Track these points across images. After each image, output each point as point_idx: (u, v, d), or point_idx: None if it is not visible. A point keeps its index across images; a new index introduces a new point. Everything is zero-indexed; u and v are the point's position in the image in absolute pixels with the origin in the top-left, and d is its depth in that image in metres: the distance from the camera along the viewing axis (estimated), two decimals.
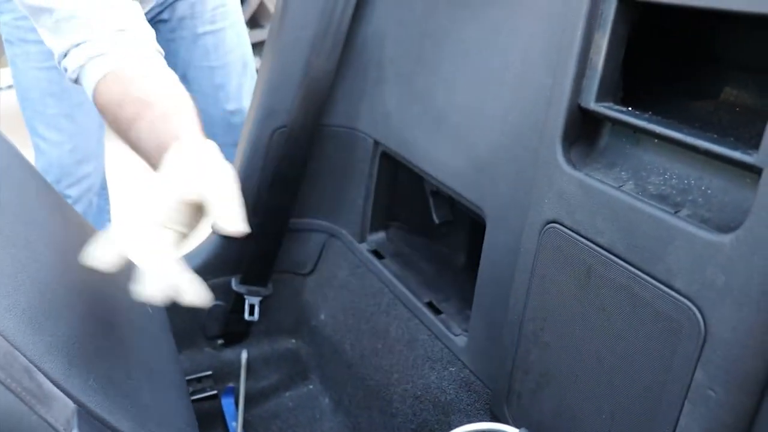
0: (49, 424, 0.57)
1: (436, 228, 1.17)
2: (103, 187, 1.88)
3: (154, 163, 0.80)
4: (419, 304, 1.04)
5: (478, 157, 0.87)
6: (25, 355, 0.58)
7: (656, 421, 0.58)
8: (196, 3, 1.50)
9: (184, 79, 1.57)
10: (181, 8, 1.49)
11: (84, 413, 0.61)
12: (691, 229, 0.54)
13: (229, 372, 1.34)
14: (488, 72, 0.86)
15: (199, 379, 1.30)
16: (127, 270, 1.02)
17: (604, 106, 0.65)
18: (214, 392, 1.29)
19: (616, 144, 0.68)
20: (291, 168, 1.24)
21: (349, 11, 1.13)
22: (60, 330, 0.66)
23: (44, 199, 0.90)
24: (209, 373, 1.32)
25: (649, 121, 0.60)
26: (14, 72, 1.51)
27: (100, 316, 0.78)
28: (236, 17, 1.59)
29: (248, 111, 1.27)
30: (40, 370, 0.59)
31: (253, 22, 4.02)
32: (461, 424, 0.77)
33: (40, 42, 1.41)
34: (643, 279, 0.58)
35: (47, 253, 0.76)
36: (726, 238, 0.51)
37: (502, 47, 0.84)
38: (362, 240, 1.25)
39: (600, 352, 0.64)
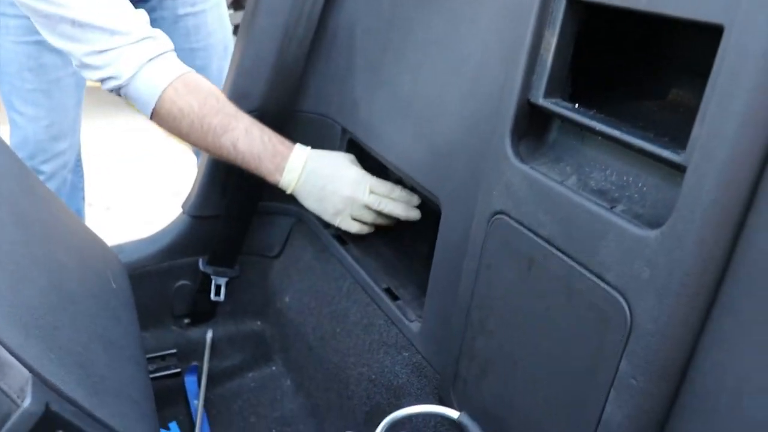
0: (2, 391, 0.59)
1: None
2: (78, 165, 1.89)
3: (260, 167, 1.09)
4: (378, 290, 1.07)
5: (436, 146, 0.89)
6: None
7: (585, 408, 0.61)
8: None
9: None
10: None
11: (38, 381, 0.63)
12: (622, 223, 0.57)
13: (194, 351, 1.36)
14: (450, 63, 0.88)
15: (163, 357, 1.32)
16: (94, 247, 1.03)
17: (552, 102, 0.67)
18: (178, 370, 1.31)
19: (564, 139, 0.71)
20: None
21: (321, 0, 1.15)
22: (19, 300, 0.68)
23: (12, 173, 0.91)
24: (173, 351, 1.33)
25: (592, 118, 0.63)
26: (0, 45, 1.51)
27: (60, 288, 0.80)
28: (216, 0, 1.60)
29: None
30: None
31: (236, 4, 4.01)
32: (410, 406, 0.80)
33: (20, 16, 1.42)
34: (578, 271, 0.61)
35: (12, 227, 0.77)
36: (652, 234, 0.54)
37: (463, 39, 0.86)
38: (327, 225, 1.27)
39: (538, 340, 0.67)
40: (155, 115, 1.10)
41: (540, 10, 0.67)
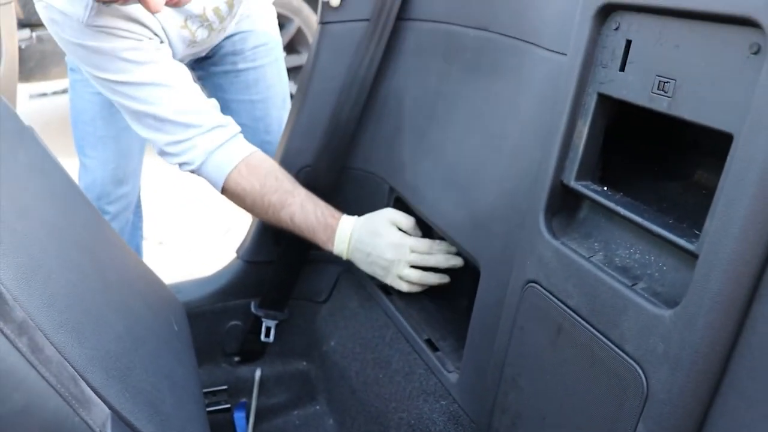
0: (89, 426, 0.68)
1: (441, 270, 1.26)
2: (138, 205, 2.01)
3: (315, 237, 1.23)
4: (419, 340, 1.14)
5: (476, 215, 0.97)
6: (72, 365, 0.68)
7: None
8: (237, 42, 1.62)
9: (227, 109, 1.69)
10: (224, 46, 1.62)
11: (116, 418, 0.72)
12: (641, 301, 0.63)
13: (243, 388, 1.44)
14: (491, 138, 0.96)
15: (214, 393, 1.41)
16: (158, 290, 1.13)
17: (582, 185, 0.74)
18: (228, 406, 1.39)
19: (593, 217, 0.77)
20: None
21: (374, 67, 1.24)
22: (100, 344, 0.77)
23: (88, 220, 1.01)
24: (224, 387, 1.42)
25: (617, 202, 0.70)
26: (72, 95, 1.65)
27: (133, 332, 0.89)
28: (277, 54, 1.71)
29: (277, 149, 1.39)
30: (83, 378, 0.69)
31: (290, 48, 4.17)
32: None
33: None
34: (601, 340, 0.67)
35: (93, 275, 0.87)
36: (667, 313, 0.60)
37: (503, 117, 0.94)
38: None
39: (564, 399, 0.73)
40: (224, 192, 1.27)
41: (573, 102, 0.74)
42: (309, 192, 1.25)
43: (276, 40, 1.70)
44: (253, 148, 1.27)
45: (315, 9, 1.23)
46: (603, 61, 0.72)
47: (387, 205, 1.30)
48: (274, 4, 3.61)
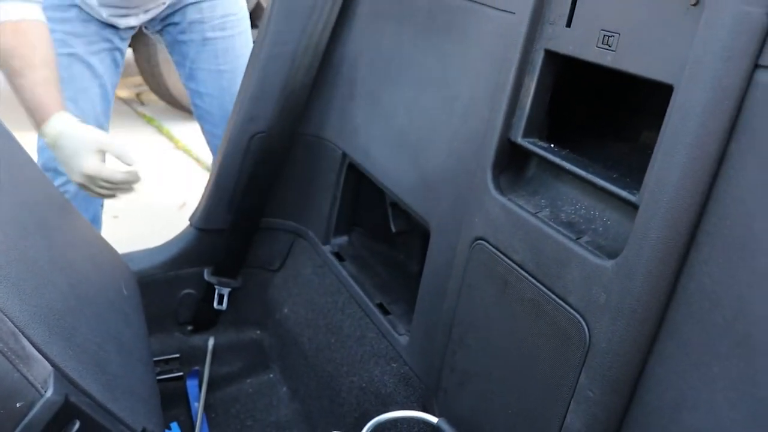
0: (29, 382, 0.66)
1: (394, 236, 1.27)
2: None
3: (31, 115, 1.24)
4: (371, 305, 1.14)
5: (427, 176, 0.97)
6: (12, 321, 0.67)
7: (549, 416, 0.68)
8: (204, 9, 1.60)
9: (193, 78, 1.68)
10: (191, 13, 1.60)
11: (59, 375, 0.70)
12: (584, 253, 0.64)
13: (196, 356, 1.43)
14: (441, 101, 0.96)
15: (166, 361, 1.39)
16: (107, 255, 1.11)
17: (529, 142, 0.75)
18: (180, 374, 1.38)
19: (540, 175, 0.78)
20: (266, 171, 1.34)
21: (328, 31, 1.23)
22: (43, 301, 0.75)
23: (35, 182, 0.99)
24: (177, 355, 1.41)
25: (563, 158, 0.71)
26: None
27: (79, 292, 0.87)
28: (246, 25, 1.70)
29: (230, 117, 1.37)
30: (24, 334, 0.68)
31: (251, 23, 4.12)
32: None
33: (56, 31, 1.51)
34: (546, 293, 0.68)
35: (36, 234, 0.85)
36: (609, 263, 0.61)
37: (454, 79, 0.94)
38: (326, 242, 1.34)
39: (509, 355, 0.74)
40: None
41: (521, 60, 0.74)
42: (55, 78, 1.26)
43: (244, 11, 1.70)
44: (35, 16, 1.27)
45: None
46: (550, 17, 0.72)
47: (339, 171, 1.30)
48: None
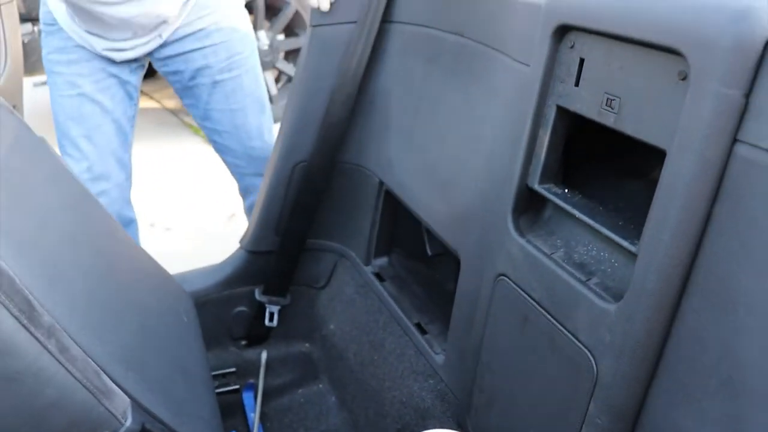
0: (111, 413, 0.77)
1: (430, 257, 1.35)
2: (128, 201, 2.02)
3: None
4: (409, 324, 1.23)
5: (456, 210, 1.05)
6: (95, 361, 0.78)
7: None
8: (209, 54, 1.66)
9: (208, 118, 1.75)
10: (196, 59, 1.66)
11: (135, 406, 0.81)
12: (591, 296, 0.72)
13: (250, 370, 1.54)
14: (468, 140, 1.04)
15: (224, 375, 1.51)
16: (167, 284, 1.22)
17: (545, 188, 0.82)
18: (237, 387, 1.49)
19: (557, 216, 0.85)
20: (309, 196, 1.43)
21: (362, 67, 1.32)
22: (118, 341, 0.87)
23: (101, 224, 1.10)
24: (233, 369, 1.52)
25: (574, 205, 0.78)
26: (51, 98, 1.70)
27: (146, 327, 0.99)
28: (252, 63, 1.74)
29: (274, 146, 1.47)
30: (105, 372, 0.79)
31: (288, 31, 4.23)
32: (434, 428, 0.96)
33: (64, 74, 1.61)
34: (560, 329, 0.76)
35: (108, 277, 0.96)
36: (612, 307, 0.69)
37: (478, 121, 1.01)
38: (368, 263, 1.44)
39: (530, 382, 0.82)
40: None
41: (535, 113, 0.82)
42: None
43: (251, 48, 1.73)
44: None
45: None
46: (561, 75, 0.79)
47: (377, 197, 1.39)
48: None
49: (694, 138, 0.60)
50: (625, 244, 0.69)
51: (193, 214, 3.10)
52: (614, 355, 0.68)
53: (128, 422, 0.79)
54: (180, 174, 3.42)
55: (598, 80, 0.73)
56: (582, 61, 0.75)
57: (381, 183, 1.36)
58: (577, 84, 0.77)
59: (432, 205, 1.14)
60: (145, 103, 4.02)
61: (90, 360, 0.78)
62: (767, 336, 0.56)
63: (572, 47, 0.77)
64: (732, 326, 0.59)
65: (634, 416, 0.69)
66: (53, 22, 1.60)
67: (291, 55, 4.30)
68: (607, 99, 0.72)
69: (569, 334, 0.74)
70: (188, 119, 4.33)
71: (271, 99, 4.26)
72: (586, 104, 0.75)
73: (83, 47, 1.60)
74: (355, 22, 1.31)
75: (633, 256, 0.70)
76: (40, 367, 0.71)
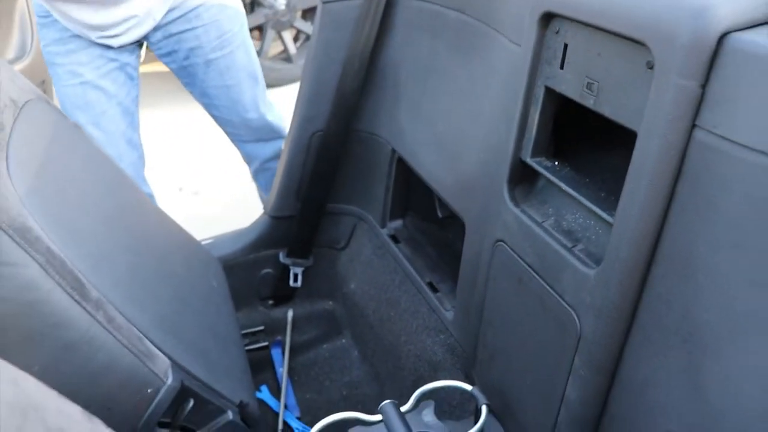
0: (155, 373, 0.88)
1: (441, 220, 1.43)
2: (143, 178, 2.09)
3: None
4: (422, 283, 1.32)
5: (461, 179, 1.13)
6: (137, 328, 0.88)
7: (554, 390, 0.85)
8: (200, 34, 1.72)
9: (205, 95, 1.83)
10: (188, 40, 1.72)
11: (175, 366, 0.92)
12: (575, 262, 0.80)
13: (278, 327, 1.66)
14: (471, 114, 1.10)
15: (254, 333, 1.63)
16: (197, 253, 1.33)
17: (536, 162, 0.89)
18: (266, 343, 1.61)
19: (549, 187, 0.93)
20: (326, 163, 1.52)
21: (372, 40, 1.38)
22: (156, 309, 0.97)
23: (135, 202, 1.20)
24: (262, 328, 1.64)
25: (561, 178, 0.85)
26: (55, 88, 1.77)
27: (180, 295, 1.09)
28: (242, 38, 1.80)
29: (291, 118, 1.54)
30: (147, 338, 0.89)
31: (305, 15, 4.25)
32: (445, 379, 1.06)
33: (65, 63, 1.67)
34: (549, 291, 0.84)
35: (145, 253, 1.07)
36: (592, 272, 0.77)
37: (479, 96, 1.08)
38: (383, 225, 1.52)
39: (524, 338, 0.91)
40: None
41: (526, 92, 0.88)
42: None
43: (240, 23, 1.78)
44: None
45: None
46: (548, 58, 0.85)
47: (390, 164, 1.46)
48: None
49: (658, 122, 0.67)
50: (604, 215, 0.77)
51: (219, 178, 3.21)
52: (594, 315, 0.76)
53: (169, 380, 0.90)
54: (200, 137, 3.51)
55: (580, 64, 0.80)
56: (566, 46, 0.82)
57: (393, 151, 1.44)
58: (562, 67, 0.83)
59: (439, 174, 1.22)
60: (155, 67, 4.04)
61: (134, 327, 0.88)
62: (721, 299, 0.64)
63: (557, 33, 0.83)
64: (692, 291, 0.67)
65: (612, 369, 0.77)
66: (47, 14, 1.64)
67: (308, 13, 4.33)
68: (588, 82, 0.78)
69: (557, 296, 0.83)
70: None
71: (290, 58, 4.31)
72: (571, 86, 0.81)
73: (79, 36, 1.65)
74: None
75: (610, 225, 0.78)
76: (91, 336, 0.82)
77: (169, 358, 0.92)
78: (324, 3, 1.40)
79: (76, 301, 0.81)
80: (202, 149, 3.45)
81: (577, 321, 0.80)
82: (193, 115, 3.85)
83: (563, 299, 0.82)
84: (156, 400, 0.89)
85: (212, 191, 3.10)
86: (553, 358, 0.85)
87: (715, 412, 0.65)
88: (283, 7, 4.08)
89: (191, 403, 0.95)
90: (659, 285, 0.71)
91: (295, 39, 4.39)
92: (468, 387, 1.01)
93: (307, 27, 4.29)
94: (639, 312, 0.73)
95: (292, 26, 4.24)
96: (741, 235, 0.61)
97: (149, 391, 0.89)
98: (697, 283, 0.66)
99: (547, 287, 0.85)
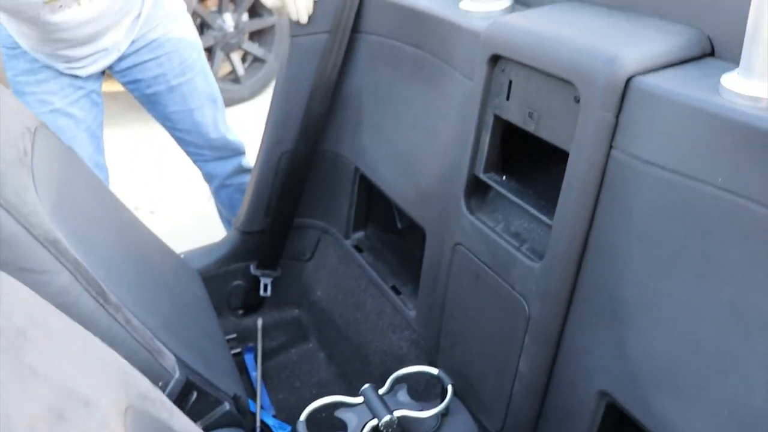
0: (165, 368, 1.01)
1: (400, 230, 1.60)
2: None
3: None
4: (386, 287, 1.48)
5: (420, 191, 1.30)
6: (150, 330, 1.01)
7: (509, 365, 1.02)
8: (164, 62, 1.83)
9: (168, 119, 1.93)
10: (152, 68, 1.83)
11: (181, 362, 1.05)
12: (523, 258, 0.97)
13: (248, 335, 1.78)
14: (428, 135, 1.28)
15: (227, 341, 1.74)
16: (182, 267, 1.45)
17: (488, 177, 1.07)
18: (239, 350, 1.73)
19: (498, 197, 1.10)
20: (294, 181, 1.66)
21: (336, 70, 1.53)
22: (161, 313, 1.10)
23: (129, 221, 1.32)
24: (234, 335, 1.76)
25: (509, 189, 1.03)
26: None
27: (176, 302, 1.22)
28: (201, 65, 1.92)
29: (261, 140, 1.68)
30: (157, 338, 1.02)
31: (252, 12, 4.37)
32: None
33: (35, 93, 1.76)
34: (502, 283, 1.02)
35: (147, 264, 1.19)
36: (537, 265, 0.94)
37: (436, 120, 1.25)
38: (347, 237, 1.68)
39: (482, 324, 1.08)
40: None
41: (478, 119, 1.06)
42: None
43: (198, 51, 1.90)
44: None
45: None
46: (496, 91, 1.03)
47: (353, 180, 1.62)
48: None
49: (585, 144, 0.85)
50: (544, 219, 0.95)
51: (175, 196, 3.30)
52: (540, 301, 0.94)
53: (177, 375, 1.03)
54: (156, 157, 3.59)
55: (522, 97, 0.98)
56: (511, 82, 1.00)
57: (356, 168, 1.60)
58: (508, 99, 1.01)
59: (400, 188, 1.38)
60: (111, 87, 4.12)
61: (147, 329, 1.01)
62: (637, 281, 0.82)
63: (503, 71, 1.01)
64: (615, 276, 0.85)
65: (555, 344, 0.95)
66: (15, 45, 1.71)
67: (256, 35, 4.46)
68: (529, 112, 0.97)
69: (508, 287, 1.00)
70: None
71: (239, 79, 4.42)
72: (515, 115, 1.00)
73: (49, 66, 1.73)
74: (329, 32, 1.52)
75: (550, 227, 0.96)
76: (113, 335, 0.95)
77: (175, 355, 1.05)
78: (292, 37, 1.55)
79: (100, 304, 0.93)
80: (156, 169, 3.53)
81: (526, 306, 0.97)
82: (146, 135, 3.92)
83: (514, 289, 0.99)
84: (166, 392, 1.02)
85: (168, 210, 3.19)
86: (507, 339, 1.02)
87: (635, 371, 0.84)
88: (231, 29, 4.20)
89: (194, 395, 1.08)
90: (590, 273, 0.89)
91: (243, 60, 4.50)
92: (435, 371, 1.17)
93: (254, 48, 4.41)
94: (575, 295, 0.91)
95: (240, 48, 4.35)
96: (649, 231, 0.80)
97: (160, 384, 1.02)
98: (619, 271, 0.84)
99: (500, 280, 1.02)
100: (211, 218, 2.50)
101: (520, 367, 1.00)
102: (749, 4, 0.71)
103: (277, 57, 4.47)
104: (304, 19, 1.51)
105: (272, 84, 5.32)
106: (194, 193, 3.31)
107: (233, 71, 4.44)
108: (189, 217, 3.09)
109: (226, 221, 2.22)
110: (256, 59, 4.45)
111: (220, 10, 4.13)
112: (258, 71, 4.44)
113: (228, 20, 4.19)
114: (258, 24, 4.35)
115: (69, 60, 1.72)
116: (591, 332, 0.90)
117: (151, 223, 2.72)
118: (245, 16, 4.34)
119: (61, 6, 1.55)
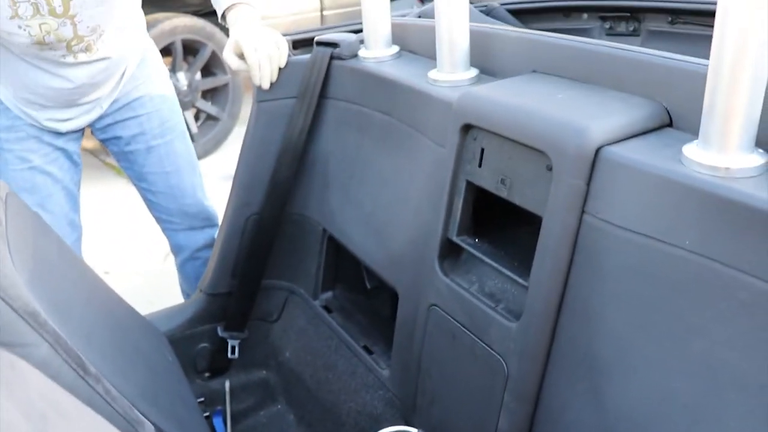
0: None
1: (369, 290, 1.62)
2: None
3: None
4: (357, 347, 1.49)
5: (391, 254, 1.33)
6: (128, 399, 1.00)
7: (488, 422, 1.05)
8: (144, 122, 1.85)
9: (143, 179, 1.92)
10: (132, 127, 1.84)
11: (158, 428, 1.04)
12: (499, 318, 1.01)
13: (216, 398, 1.76)
14: (398, 198, 1.32)
15: None
16: (151, 332, 1.44)
17: (461, 239, 1.11)
18: (207, 413, 1.70)
19: (471, 259, 1.15)
20: (261, 243, 1.67)
21: (304, 135, 1.57)
22: (137, 382, 1.09)
23: (100, 290, 1.31)
24: (201, 399, 1.73)
25: (482, 252, 1.07)
26: (1, 172, 1.81)
27: (151, 369, 1.21)
28: (181, 128, 1.94)
29: (228, 201, 1.70)
30: (134, 407, 1.01)
31: (206, 71, 4.42)
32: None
33: (14, 150, 1.76)
34: (480, 343, 1.05)
35: (121, 334, 1.18)
36: (514, 324, 0.98)
37: (406, 183, 1.30)
38: (315, 297, 1.69)
39: (460, 383, 1.10)
40: None
41: (451, 185, 1.11)
42: None
43: (179, 114, 1.93)
44: None
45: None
46: (468, 158, 1.08)
47: (322, 242, 1.65)
48: (188, 32, 3.87)
49: (558, 210, 0.90)
50: (519, 280, 0.99)
51: (129, 256, 3.25)
52: (518, 359, 0.97)
53: None
54: (111, 217, 3.55)
55: (495, 164, 1.03)
56: (483, 149, 1.05)
57: (324, 230, 1.62)
58: (480, 165, 1.06)
59: (370, 250, 1.41)
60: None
61: (125, 399, 1.00)
62: (611, 338, 0.87)
63: (475, 139, 1.07)
64: (590, 333, 0.89)
65: (535, 400, 0.98)
66: None
67: (209, 93, 4.49)
68: (501, 178, 1.02)
69: (486, 346, 1.03)
70: (110, 160, 4.42)
71: (192, 137, 4.43)
72: (487, 181, 1.05)
73: (32, 125, 1.73)
74: (295, 97, 1.56)
75: (525, 288, 1.00)
76: (93, 406, 0.93)
77: (153, 424, 1.04)
78: (259, 102, 1.59)
79: (80, 375, 0.92)
80: (111, 229, 3.47)
81: (504, 365, 1.00)
82: (94, 194, 3.87)
83: (492, 348, 1.03)
84: None
85: (122, 270, 3.13)
86: (486, 397, 1.05)
87: (613, 425, 0.87)
88: (185, 87, 4.22)
89: None
90: (566, 331, 0.93)
91: (196, 118, 4.52)
92: (414, 431, 1.18)
93: (207, 107, 4.44)
94: (552, 352, 0.95)
95: (193, 106, 4.38)
96: (622, 291, 0.85)
97: None
98: (594, 328, 0.89)
99: (477, 340, 1.05)
100: (168, 278, 2.47)
101: (500, 425, 1.02)
102: (704, 80, 0.78)
103: (230, 115, 4.52)
104: (266, 86, 1.54)
105: (226, 142, 5.35)
106: (149, 252, 3.27)
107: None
108: (144, 279, 3.05)
109: (187, 295, 2.17)
110: (210, 117, 4.48)
111: (174, 69, 4.16)
112: (211, 129, 4.46)
113: (182, 79, 4.22)
114: (211, 83, 4.39)
115: (53, 118, 1.72)
116: (569, 388, 0.94)
117: (109, 283, 2.65)
118: (198, 75, 4.38)
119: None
